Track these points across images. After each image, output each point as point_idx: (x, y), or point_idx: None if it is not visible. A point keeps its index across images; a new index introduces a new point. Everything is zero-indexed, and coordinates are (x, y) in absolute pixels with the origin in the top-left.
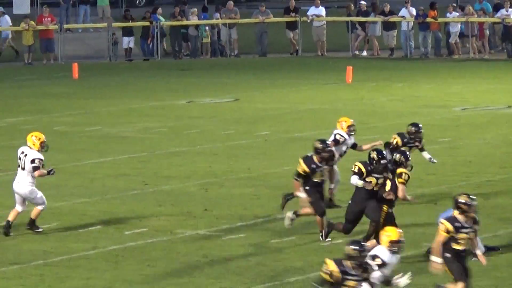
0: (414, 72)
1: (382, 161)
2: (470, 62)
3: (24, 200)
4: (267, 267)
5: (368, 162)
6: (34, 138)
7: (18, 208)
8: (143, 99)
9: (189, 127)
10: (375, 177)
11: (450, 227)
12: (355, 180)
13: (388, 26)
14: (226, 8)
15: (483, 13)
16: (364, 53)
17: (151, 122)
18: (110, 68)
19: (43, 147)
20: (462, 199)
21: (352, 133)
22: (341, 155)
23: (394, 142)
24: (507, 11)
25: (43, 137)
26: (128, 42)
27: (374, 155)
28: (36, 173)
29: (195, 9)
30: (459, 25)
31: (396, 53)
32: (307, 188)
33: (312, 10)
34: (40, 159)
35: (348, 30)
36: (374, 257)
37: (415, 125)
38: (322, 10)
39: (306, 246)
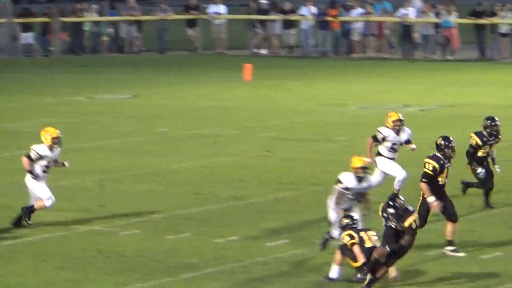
0: (313, 71)
1: (450, 145)
2: (368, 61)
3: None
4: (162, 263)
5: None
6: (45, 134)
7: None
8: (42, 94)
9: (87, 123)
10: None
11: (436, 165)
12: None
13: (288, 25)
14: (126, 5)
15: (383, 12)
16: (263, 51)
17: (49, 118)
18: (9, 63)
19: (55, 143)
20: (439, 141)
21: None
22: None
23: (474, 143)
24: (407, 10)
25: (56, 133)
26: (27, 38)
27: (440, 141)
28: (23, 159)
29: (95, 6)
30: (361, 23)
31: (295, 52)
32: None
33: (212, 8)
34: (37, 152)
35: (248, 28)
36: (338, 181)
37: (490, 118)
38: (222, 8)
39: (201, 242)
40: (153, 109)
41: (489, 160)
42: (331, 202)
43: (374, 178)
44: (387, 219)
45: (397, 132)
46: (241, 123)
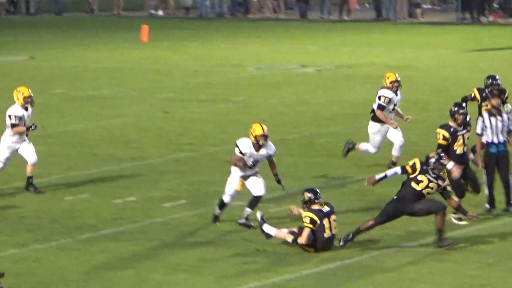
0: (210, 32)
1: (461, 111)
2: (265, 22)
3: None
4: (60, 224)
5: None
6: (17, 93)
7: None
8: None
9: None
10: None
11: (446, 133)
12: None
13: None
14: None
15: None
16: (160, 12)
17: None
18: None
19: (27, 103)
20: (451, 107)
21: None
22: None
23: (472, 95)
24: None
25: (28, 92)
26: None
27: (452, 107)
28: (14, 130)
29: None
30: None
31: (192, 13)
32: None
33: None
34: (16, 116)
35: None
36: (235, 145)
37: (491, 77)
38: None
39: (99, 203)
40: (50, 71)
41: None
42: (233, 169)
43: (375, 140)
44: None
45: (396, 93)
46: (138, 84)
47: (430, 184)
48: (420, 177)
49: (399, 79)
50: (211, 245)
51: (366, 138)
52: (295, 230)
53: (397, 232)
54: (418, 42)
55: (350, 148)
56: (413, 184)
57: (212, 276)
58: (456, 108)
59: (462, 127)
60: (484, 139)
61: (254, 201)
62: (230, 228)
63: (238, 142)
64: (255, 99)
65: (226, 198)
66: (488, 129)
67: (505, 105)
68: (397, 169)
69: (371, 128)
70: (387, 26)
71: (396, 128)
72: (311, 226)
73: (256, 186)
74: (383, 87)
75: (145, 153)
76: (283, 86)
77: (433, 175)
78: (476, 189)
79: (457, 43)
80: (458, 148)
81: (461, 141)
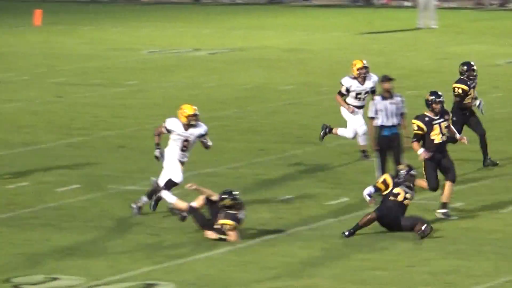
0: (103, 16)
1: (438, 100)
2: (158, 5)
3: None
4: None
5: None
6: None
7: None
8: None
9: None
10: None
11: (421, 123)
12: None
13: None
14: None
15: None
16: None
17: None
18: None
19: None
20: (427, 97)
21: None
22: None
23: (459, 90)
24: None
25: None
26: None
27: (428, 96)
28: None
29: None
30: None
31: None
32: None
33: None
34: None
35: None
36: (166, 126)
37: (466, 63)
38: None
39: None
40: None
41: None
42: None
43: (349, 128)
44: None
45: (363, 80)
46: (31, 69)
47: (407, 195)
48: (395, 191)
49: (367, 65)
50: (104, 229)
51: (258, 122)
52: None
53: (288, 216)
54: (310, 25)
55: (327, 132)
56: (391, 198)
57: (105, 261)
58: (433, 97)
59: (438, 116)
60: (377, 122)
61: (170, 185)
62: (123, 213)
63: (167, 120)
64: (148, 83)
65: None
66: (381, 112)
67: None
68: (370, 188)
69: (343, 113)
70: (280, 9)
71: (352, 112)
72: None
73: (176, 171)
74: (352, 76)
75: (37, 137)
76: (176, 70)
77: (406, 187)
78: (451, 178)
79: (350, 25)
80: (436, 137)
81: (438, 130)
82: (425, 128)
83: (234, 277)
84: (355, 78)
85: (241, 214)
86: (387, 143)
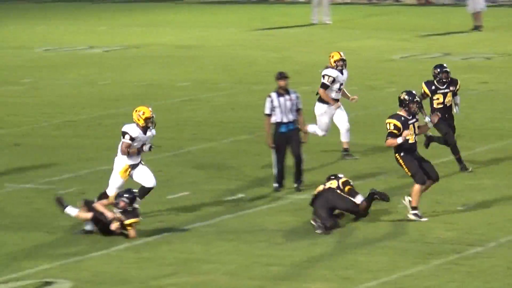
0: None
1: (415, 99)
2: (53, 3)
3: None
4: None
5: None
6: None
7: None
8: None
9: None
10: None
11: (397, 122)
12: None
13: None
14: None
15: None
16: None
17: None
18: None
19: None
20: (403, 96)
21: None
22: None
23: (422, 92)
24: None
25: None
26: None
27: (404, 96)
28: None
29: None
30: None
31: None
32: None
33: None
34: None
35: None
36: (123, 133)
37: (439, 66)
38: None
39: None
40: None
41: (453, 113)
42: (119, 159)
43: (322, 122)
44: None
45: (340, 72)
46: None
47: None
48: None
49: (344, 57)
50: (0, 228)
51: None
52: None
53: (185, 212)
54: (206, 22)
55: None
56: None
57: (2, 259)
58: (409, 97)
59: (411, 116)
60: (274, 119)
61: (145, 192)
62: (20, 211)
63: (126, 128)
64: (43, 80)
65: (111, 191)
66: (277, 109)
67: (456, 97)
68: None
69: (317, 109)
70: (175, 6)
71: (338, 107)
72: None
73: (146, 176)
74: (327, 67)
75: None
76: (71, 67)
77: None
78: (419, 181)
79: (245, 22)
80: (410, 137)
81: (412, 130)
82: (402, 127)
83: (131, 274)
84: (334, 69)
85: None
86: (284, 139)
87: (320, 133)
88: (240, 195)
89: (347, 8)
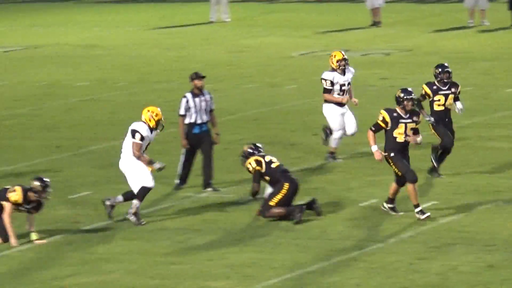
0: None
1: (410, 97)
2: None
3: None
4: None
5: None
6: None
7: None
8: None
9: None
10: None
11: (387, 116)
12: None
13: None
14: None
15: None
16: None
17: None
18: None
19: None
20: (398, 93)
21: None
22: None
23: (423, 92)
24: None
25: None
26: None
27: (399, 93)
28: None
29: None
30: None
31: None
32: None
33: None
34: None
35: None
36: (134, 132)
37: (440, 66)
38: None
39: None
40: None
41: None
42: (131, 159)
43: (335, 122)
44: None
45: (342, 72)
46: None
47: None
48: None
49: (346, 57)
50: None
51: (54, 119)
52: None
53: (86, 212)
54: (105, 21)
55: (328, 134)
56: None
57: None
58: (404, 95)
59: (408, 115)
60: (188, 120)
61: (145, 192)
62: None
63: (136, 127)
64: None
65: (149, 184)
66: (192, 109)
67: (457, 102)
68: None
69: (326, 110)
70: (75, 6)
71: (347, 101)
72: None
73: (145, 176)
74: (330, 68)
75: None
76: None
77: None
78: (411, 179)
79: (144, 20)
80: (399, 136)
81: (403, 129)
82: (390, 122)
83: (32, 274)
84: (334, 70)
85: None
86: (197, 140)
87: (337, 135)
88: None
89: (246, 6)
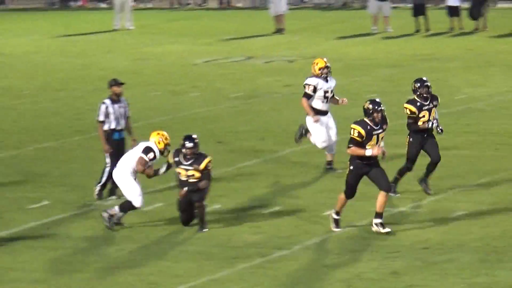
0: None
1: (379, 108)
2: None
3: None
4: None
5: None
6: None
7: None
8: None
9: None
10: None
11: (362, 130)
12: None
13: None
14: None
15: None
16: None
17: None
18: None
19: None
20: (367, 105)
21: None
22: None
23: (408, 112)
24: None
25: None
26: None
27: (368, 105)
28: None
29: None
30: None
31: None
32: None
33: None
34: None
35: None
36: (148, 150)
37: (419, 80)
38: None
39: None
40: None
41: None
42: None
43: (319, 133)
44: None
45: (325, 80)
46: None
47: (189, 172)
48: (178, 170)
49: (328, 64)
50: None
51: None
52: None
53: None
54: (8, 29)
55: (303, 133)
56: (180, 177)
57: None
58: (373, 106)
59: (378, 126)
60: (107, 126)
61: (129, 208)
62: None
63: (151, 145)
64: None
65: (138, 202)
66: (111, 115)
67: (435, 112)
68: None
69: (309, 120)
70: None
71: (316, 121)
72: None
73: (136, 196)
74: (312, 75)
75: None
76: None
77: (187, 163)
78: (385, 188)
79: (47, 28)
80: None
81: (375, 141)
82: (365, 136)
83: None
84: (316, 77)
85: None
86: (116, 146)
87: (320, 145)
88: (45, 202)
89: (149, 14)
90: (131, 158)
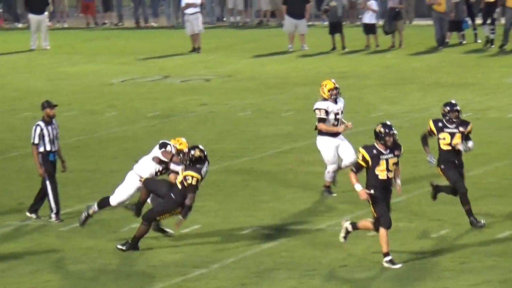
0: None
1: (391, 132)
2: None
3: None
4: None
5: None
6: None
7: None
8: None
9: None
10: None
11: (366, 155)
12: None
13: None
14: None
15: None
16: None
17: None
18: None
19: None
20: (378, 128)
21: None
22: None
23: (428, 128)
24: None
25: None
26: None
27: (379, 128)
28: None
29: None
30: None
31: None
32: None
33: None
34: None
35: None
36: (163, 145)
37: (448, 104)
38: None
39: None
40: None
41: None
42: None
43: (329, 156)
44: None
45: (334, 101)
46: None
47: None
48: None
49: (337, 86)
50: None
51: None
52: None
53: None
54: None
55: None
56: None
57: None
58: (385, 129)
59: (388, 150)
60: (42, 149)
61: (104, 204)
62: None
63: (164, 141)
64: None
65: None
66: (46, 137)
67: (469, 141)
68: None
69: (320, 143)
70: None
71: (344, 130)
72: None
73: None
74: (321, 98)
75: None
76: None
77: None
78: (385, 225)
79: None
80: (380, 173)
81: (384, 166)
82: (370, 161)
83: None
84: (325, 100)
85: None
86: (52, 168)
87: (332, 168)
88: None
89: (66, 33)
90: (149, 161)
